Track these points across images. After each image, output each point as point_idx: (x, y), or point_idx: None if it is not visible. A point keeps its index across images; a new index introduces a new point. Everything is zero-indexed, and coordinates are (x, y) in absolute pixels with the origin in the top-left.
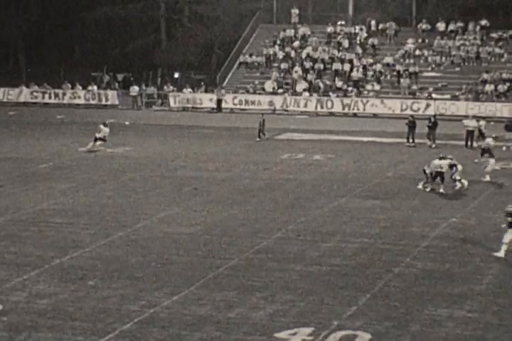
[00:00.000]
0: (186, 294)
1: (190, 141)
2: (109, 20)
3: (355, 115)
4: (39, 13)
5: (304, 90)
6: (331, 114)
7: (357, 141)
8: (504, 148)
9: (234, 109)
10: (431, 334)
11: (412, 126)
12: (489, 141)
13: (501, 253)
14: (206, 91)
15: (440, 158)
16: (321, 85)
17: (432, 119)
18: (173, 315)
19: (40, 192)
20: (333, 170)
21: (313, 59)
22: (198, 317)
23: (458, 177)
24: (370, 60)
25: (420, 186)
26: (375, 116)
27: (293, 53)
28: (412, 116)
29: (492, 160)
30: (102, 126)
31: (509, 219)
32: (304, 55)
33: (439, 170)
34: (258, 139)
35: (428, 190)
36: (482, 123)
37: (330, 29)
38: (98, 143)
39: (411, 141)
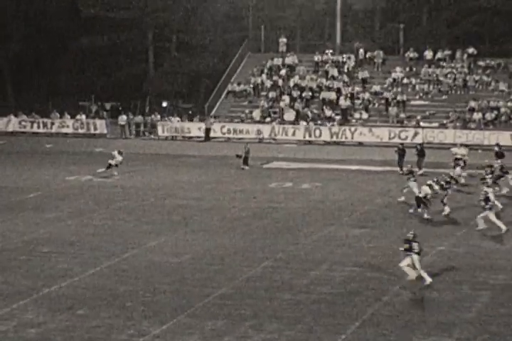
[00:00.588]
0: (175, 323)
1: (178, 170)
2: (97, 49)
3: (340, 143)
4: (25, 42)
5: (297, 120)
6: (324, 142)
7: (345, 169)
8: None
9: (222, 138)
10: None
11: (401, 153)
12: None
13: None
14: (191, 120)
15: (428, 185)
16: (309, 114)
17: (419, 147)
18: None
19: (29, 221)
20: (321, 198)
21: (301, 87)
22: None
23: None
24: (358, 89)
25: (425, 216)
26: (360, 144)
27: (281, 82)
28: (401, 144)
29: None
30: (116, 153)
31: (406, 245)
32: (291, 84)
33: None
34: (243, 167)
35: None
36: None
37: (317, 58)
38: (109, 169)
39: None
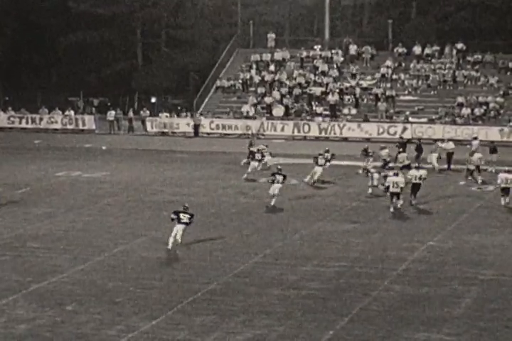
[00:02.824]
0: (164, 319)
1: (167, 166)
2: (86, 45)
3: (327, 138)
4: (15, 38)
5: (287, 115)
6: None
7: (334, 164)
8: (492, 170)
9: (211, 134)
10: None
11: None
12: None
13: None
14: (178, 115)
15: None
16: (300, 109)
17: (418, 143)
18: (151, 340)
19: (18, 217)
20: (310, 194)
21: (290, 83)
22: None
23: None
24: (347, 84)
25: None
26: (345, 140)
27: (269, 77)
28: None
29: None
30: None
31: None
32: (280, 79)
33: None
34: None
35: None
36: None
37: (306, 53)
38: None
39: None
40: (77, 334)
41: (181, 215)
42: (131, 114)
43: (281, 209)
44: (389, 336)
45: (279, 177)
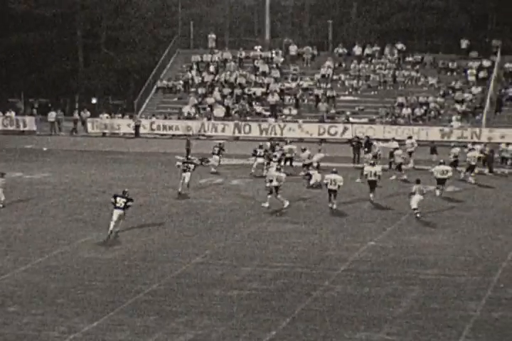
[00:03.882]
0: (106, 319)
1: (108, 167)
2: (26, 46)
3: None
4: None
5: (228, 116)
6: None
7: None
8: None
9: (151, 134)
10: None
11: (357, 146)
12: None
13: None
14: (121, 116)
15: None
16: (241, 109)
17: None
18: None
19: None
20: (251, 194)
21: (231, 83)
22: None
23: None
24: (288, 85)
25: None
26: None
27: (210, 78)
28: (357, 136)
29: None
30: None
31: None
32: (221, 80)
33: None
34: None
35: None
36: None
37: (242, 53)
38: None
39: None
40: (18, 335)
41: (118, 199)
42: (76, 115)
43: (222, 209)
44: (330, 336)
45: (191, 166)
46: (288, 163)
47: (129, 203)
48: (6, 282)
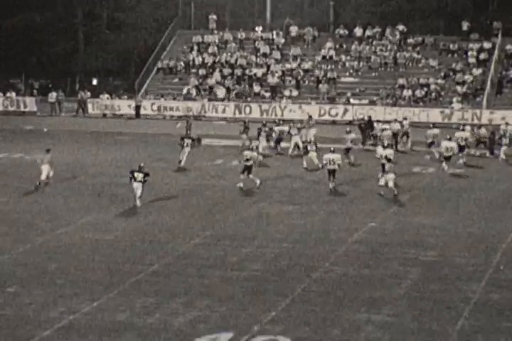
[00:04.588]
0: (106, 300)
1: (109, 148)
2: (27, 26)
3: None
4: None
5: (229, 97)
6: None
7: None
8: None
9: (152, 115)
10: (350, 339)
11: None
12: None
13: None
14: (121, 97)
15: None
16: (242, 91)
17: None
18: (92, 322)
19: None
20: (251, 175)
21: (231, 65)
22: (118, 323)
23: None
24: (289, 66)
25: None
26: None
27: (211, 59)
28: (362, 119)
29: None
30: None
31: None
32: (221, 61)
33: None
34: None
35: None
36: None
37: (242, 34)
38: None
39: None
40: (18, 316)
41: (135, 174)
42: (85, 94)
43: (222, 190)
44: (330, 317)
45: (188, 141)
46: (278, 144)
47: (147, 177)
48: (5, 262)
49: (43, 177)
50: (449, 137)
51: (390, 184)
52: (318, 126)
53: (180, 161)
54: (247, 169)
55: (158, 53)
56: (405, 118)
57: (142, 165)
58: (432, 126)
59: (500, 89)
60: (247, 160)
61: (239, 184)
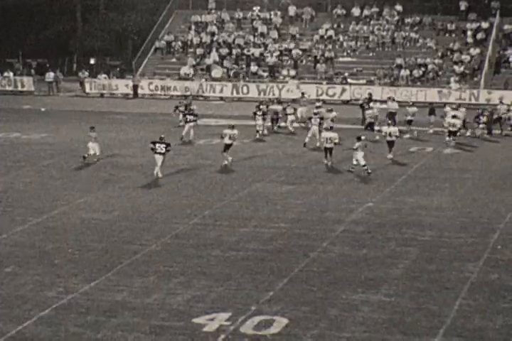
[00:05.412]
0: (103, 280)
1: (106, 127)
2: (24, 6)
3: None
4: None
5: (229, 77)
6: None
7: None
8: (430, 131)
9: (150, 95)
10: (348, 319)
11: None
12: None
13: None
14: (119, 77)
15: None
16: (239, 70)
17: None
18: (90, 301)
19: None
20: (248, 155)
21: (229, 44)
22: (116, 303)
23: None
24: (286, 46)
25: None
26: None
27: (208, 39)
28: (366, 97)
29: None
30: None
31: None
32: (219, 41)
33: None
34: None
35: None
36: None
37: (245, 14)
38: None
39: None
40: (16, 295)
41: (157, 145)
42: (83, 74)
43: (220, 170)
44: (328, 297)
45: (190, 117)
46: (275, 123)
47: (169, 148)
48: (3, 242)
49: (91, 152)
50: (453, 114)
51: (362, 162)
52: (335, 108)
53: (182, 137)
54: (227, 147)
55: (155, 33)
56: (389, 98)
57: (163, 136)
58: (411, 103)
59: (498, 69)
60: (228, 138)
61: (224, 162)
